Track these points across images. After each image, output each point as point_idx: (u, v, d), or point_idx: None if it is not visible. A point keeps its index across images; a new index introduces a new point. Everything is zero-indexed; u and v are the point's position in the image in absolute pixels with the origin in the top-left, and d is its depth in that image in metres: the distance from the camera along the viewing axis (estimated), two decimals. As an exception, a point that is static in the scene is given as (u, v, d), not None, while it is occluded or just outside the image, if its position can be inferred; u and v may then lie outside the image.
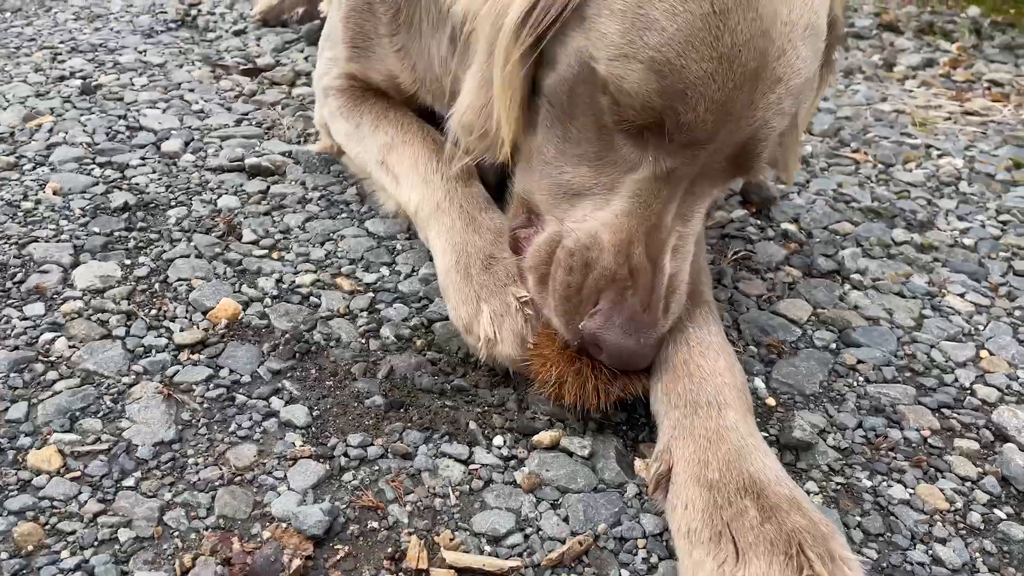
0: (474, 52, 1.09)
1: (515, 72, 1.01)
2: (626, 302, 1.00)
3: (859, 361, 1.26)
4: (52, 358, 1.14)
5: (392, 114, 1.51)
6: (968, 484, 1.05)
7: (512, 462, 1.03)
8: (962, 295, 1.44)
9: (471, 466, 1.01)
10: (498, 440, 1.05)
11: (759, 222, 1.65)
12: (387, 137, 1.48)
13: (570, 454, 1.04)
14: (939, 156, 2.01)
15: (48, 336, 1.18)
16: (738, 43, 0.89)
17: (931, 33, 3.18)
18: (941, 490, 1.03)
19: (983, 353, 1.30)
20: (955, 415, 1.16)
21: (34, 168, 1.65)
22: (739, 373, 1.05)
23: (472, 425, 1.07)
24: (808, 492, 1.02)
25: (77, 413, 1.05)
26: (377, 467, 1.00)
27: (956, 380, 1.23)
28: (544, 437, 1.05)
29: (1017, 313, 1.41)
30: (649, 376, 1.06)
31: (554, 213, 1.09)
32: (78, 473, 0.96)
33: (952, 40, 3.10)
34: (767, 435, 1.10)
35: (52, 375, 1.11)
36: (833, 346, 1.29)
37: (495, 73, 1.03)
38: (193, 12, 2.80)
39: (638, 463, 1.03)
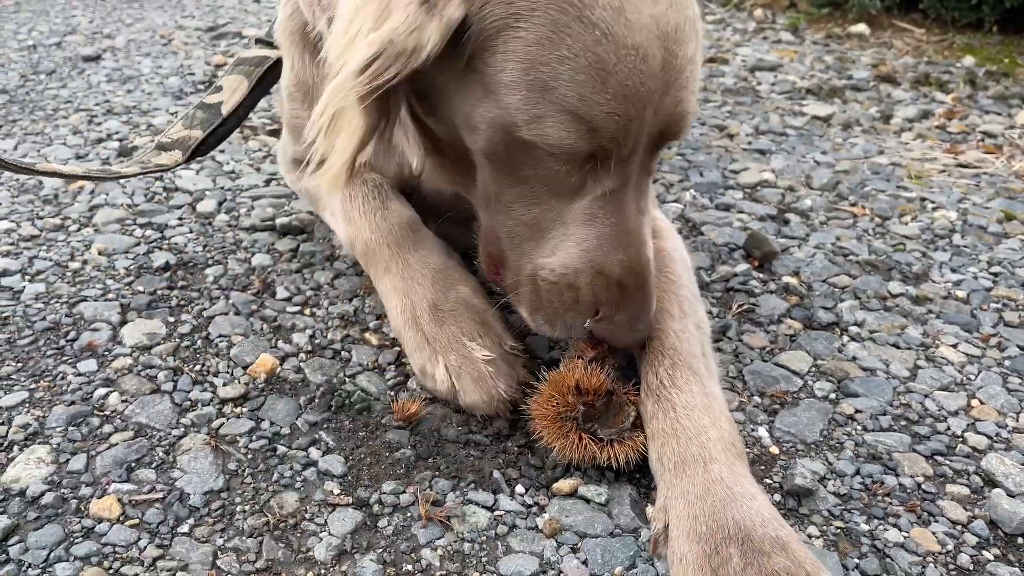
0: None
1: (353, 109, 1.08)
2: (623, 306, 1.14)
3: (857, 410, 1.34)
4: (107, 412, 1.24)
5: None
6: (959, 527, 1.13)
7: (534, 508, 1.11)
8: (955, 346, 1.53)
9: (496, 512, 1.10)
10: (520, 488, 1.14)
11: (761, 275, 1.74)
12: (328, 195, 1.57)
13: (587, 501, 1.12)
14: (934, 209, 2.11)
15: (102, 391, 1.27)
16: (623, 79, 1.01)
17: (927, 84, 3.29)
18: (933, 533, 1.11)
19: (974, 402, 1.38)
20: (947, 462, 1.24)
21: (79, 229, 1.76)
22: (726, 425, 1.13)
23: (496, 474, 1.15)
24: (809, 536, 1.10)
25: (132, 464, 1.14)
26: (409, 514, 1.09)
27: (948, 428, 1.31)
28: (563, 485, 1.13)
29: (1007, 363, 1.49)
30: (640, 439, 1.15)
31: (521, 252, 1.20)
32: (137, 521, 1.05)
33: (947, 91, 3.21)
34: (771, 483, 1.18)
35: (107, 428, 1.20)
36: (832, 396, 1.38)
37: (333, 101, 1.08)
38: (220, 74, 2.94)
39: (650, 509, 1.12)
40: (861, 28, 4.14)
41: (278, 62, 1.77)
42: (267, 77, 1.75)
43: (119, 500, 1.08)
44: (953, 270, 1.80)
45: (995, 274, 1.79)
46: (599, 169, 1.09)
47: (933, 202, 2.14)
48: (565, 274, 1.15)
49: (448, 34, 1.02)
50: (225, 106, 1.69)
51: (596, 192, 1.12)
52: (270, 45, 1.80)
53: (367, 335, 1.46)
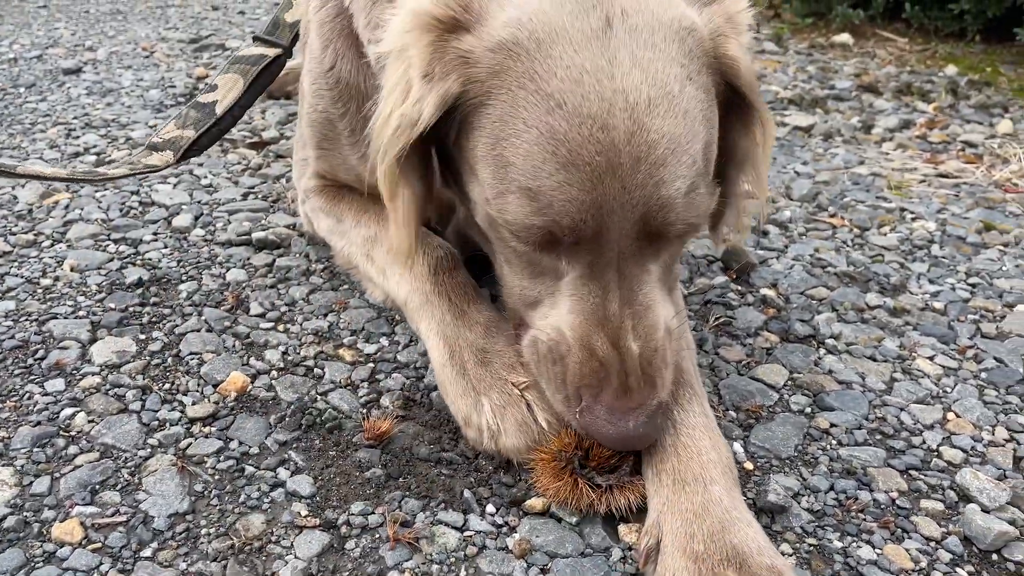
0: None
1: (396, 178, 1.12)
2: (603, 393, 1.07)
3: (832, 425, 1.33)
4: (73, 433, 1.22)
5: (372, 208, 1.57)
6: (932, 544, 1.12)
7: (504, 528, 1.10)
8: (931, 358, 1.52)
9: (466, 533, 1.08)
10: (490, 507, 1.12)
11: (739, 287, 1.73)
12: (369, 231, 1.54)
13: (559, 520, 1.11)
14: (913, 219, 2.11)
15: (68, 411, 1.25)
16: (574, 148, 0.99)
17: (909, 94, 3.31)
18: (907, 550, 1.10)
19: (950, 415, 1.37)
20: (922, 476, 1.24)
21: (52, 245, 1.75)
22: (724, 449, 1.12)
23: (467, 493, 1.14)
24: (783, 554, 1.08)
25: (97, 486, 1.12)
26: (378, 535, 1.07)
27: (924, 442, 1.31)
28: (535, 503, 1.12)
29: (983, 375, 1.49)
30: (640, 483, 1.11)
31: (528, 318, 1.20)
32: (99, 544, 1.03)
33: (929, 100, 3.22)
34: (744, 499, 1.16)
35: (73, 449, 1.19)
36: (808, 410, 1.37)
37: (380, 168, 1.13)
38: (201, 86, 2.92)
39: (622, 528, 1.10)
40: (845, 38, 4.16)
41: (275, 60, 1.75)
42: (264, 76, 1.73)
43: (82, 523, 1.06)
44: (931, 281, 1.80)
45: (973, 285, 1.79)
46: (566, 249, 1.07)
47: (912, 212, 2.15)
48: (554, 339, 1.12)
49: (443, 105, 1.05)
50: (219, 105, 1.68)
51: (572, 273, 1.09)
52: (268, 43, 1.78)
53: (341, 351, 1.44)
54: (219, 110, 1.67)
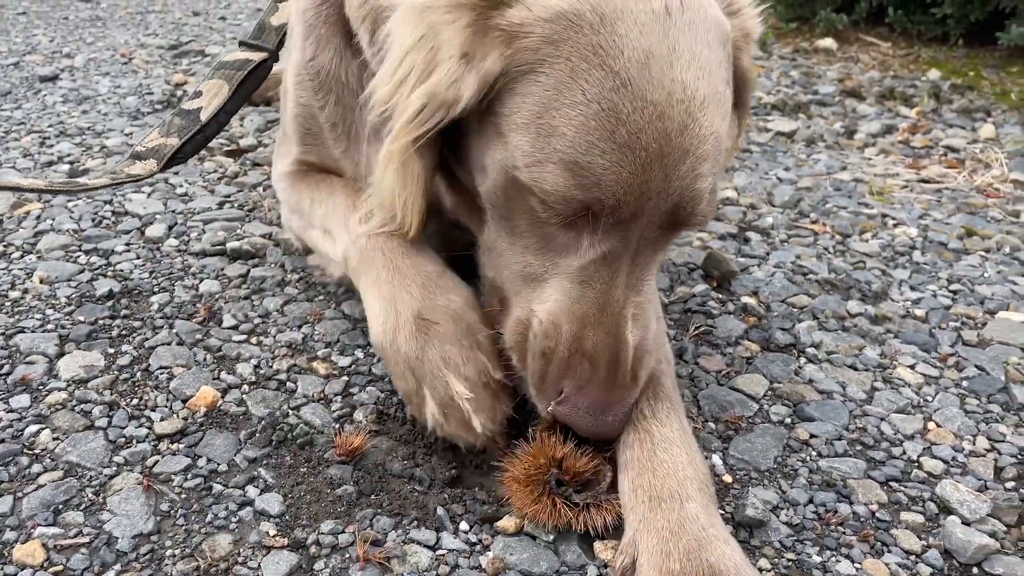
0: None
1: (409, 154, 1.10)
2: (587, 387, 1.06)
3: (812, 435, 1.32)
4: (37, 451, 1.19)
5: (326, 187, 1.55)
6: (912, 558, 1.10)
7: (478, 547, 1.07)
8: (912, 366, 1.51)
9: (438, 552, 1.06)
10: (464, 525, 1.10)
11: (720, 296, 1.72)
12: (323, 208, 1.52)
13: (533, 538, 1.09)
14: (895, 225, 2.10)
15: (33, 428, 1.22)
16: (634, 131, 0.98)
17: (892, 98, 3.31)
18: (886, 564, 1.08)
19: (931, 425, 1.36)
20: (902, 488, 1.22)
21: (22, 256, 1.71)
22: (701, 464, 1.11)
23: (440, 510, 1.12)
24: (761, 569, 1.07)
25: (60, 506, 1.09)
26: (348, 555, 1.05)
27: (904, 453, 1.29)
28: (509, 523, 1.10)
29: (964, 384, 1.47)
30: (617, 501, 1.09)
31: (520, 297, 1.17)
32: (60, 567, 1.00)
33: (912, 105, 3.22)
34: (723, 513, 1.15)
35: (37, 468, 1.16)
36: (788, 421, 1.35)
37: (392, 148, 1.11)
38: (179, 93, 2.89)
39: (598, 545, 1.08)
40: (828, 43, 4.17)
41: (261, 65, 1.72)
42: (249, 81, 1.70)
43: (44, 545, 1.03)
44: (912, 288, 1.79)
45: (954, 292, 1.78)
46: (594, 227, 1.05)
47: (894, 219, 2.14)
48: (548, 333, 1.10)
49: (484, 87, 1.03)
50: (204, 112, 1.65)
51: (591, 254, 1.07)
52: (254, 47, 1.75)
53: (315, 364, 1.42)
54: (204, 116, 1.64)
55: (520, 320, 1.15)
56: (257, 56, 1.72)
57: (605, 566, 1.05)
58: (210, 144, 2.35)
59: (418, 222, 1.21)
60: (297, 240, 1.67)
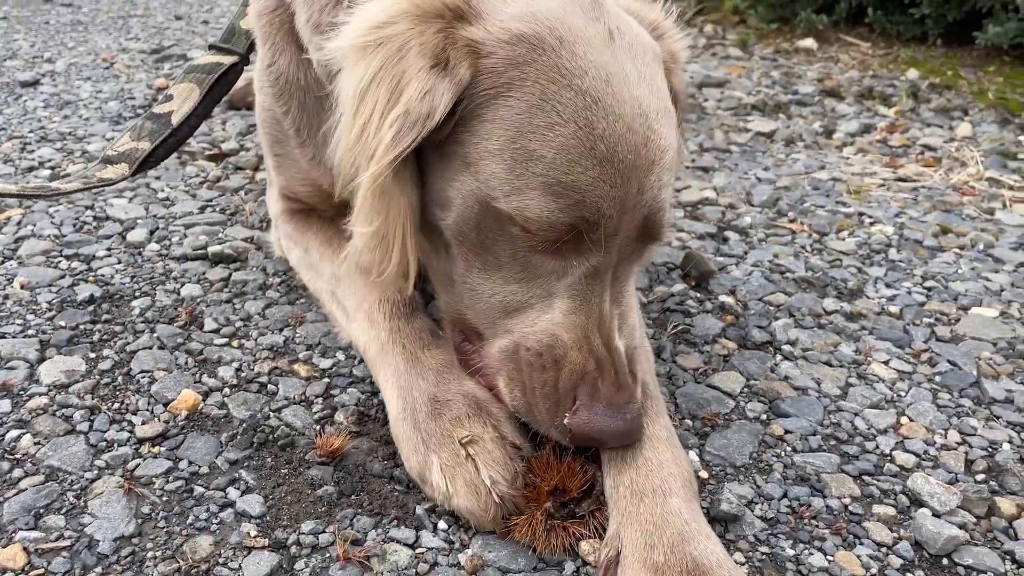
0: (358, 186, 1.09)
1: (389, 184, 1.05)
2: (600, 391, 1.08)
3: (787, 431, 1.34)
4: (18, 455, 1.19)
5: (337, 242, 1.52)
6: (884, 550, 1.12)
7: (456, 545, 1.09)
8: (886, 362, 1.54)
9: (418, 550, 1.07)
10: (443, 524, 1.11)
11: (698, 295, 1.74)
12: (335, 268, 1.48)
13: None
14: (871, 224, 2.13)
15: (14, 433, 1.23)
16: (611, 145, 1.02)
17: (871, 98, 3.34)
18: (858, 556, 1.10)
19: (903, 419, 1.38)
20: (875, 482, 1.24)
21: (2, 262, 1.72)
22: (684, 463, 1.13)
23: (419, 510, 1.13)
24: (736, 563, 1.08)
25: (41, 510, 1.10)
26: (328, 554, 1.06)
27: (877, 447, 1.32)
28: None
29: (937, 379, 1.50)
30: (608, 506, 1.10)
31: (498, 327, 1.15)
32: (42, 570, 1.01)
33: (891, 104, 3.26)
34: (698, 508, 1.17)
35: (18, 472, 1.16)
36: (764, 417, 1.37)
37: (371, 175, 1.04)
38: (160, 97, 2.89)
39: (582, 542, 1.10)
40: (809, 43, 4.20)
41: (232, 68, 1.73)
42: (220, 84, 1.71)
43: (25, 549, 1.04)
44: (888, 285, 1.82)
45: (929, 288, 1.81)
46: (579, 247, 1.06)
47: (871, 217, 2.17)
48: (547, 344, 1.10)
49: (457, 95, 1.02)
50: (175, 116, 1.65)
51: (577, 273, 1.08)
52: (224, 51, 1.76)
53: (296, 366, 1.43)
54: (175, 120, 1.64)
55: (504, 348, 1.15)
56: (228, 60, 1.72)
57: (584, 563, 1.06)
58: (192, 148, 2.37)
59: (415, 267, 1.13)
60: (309, 288, 1.62)
